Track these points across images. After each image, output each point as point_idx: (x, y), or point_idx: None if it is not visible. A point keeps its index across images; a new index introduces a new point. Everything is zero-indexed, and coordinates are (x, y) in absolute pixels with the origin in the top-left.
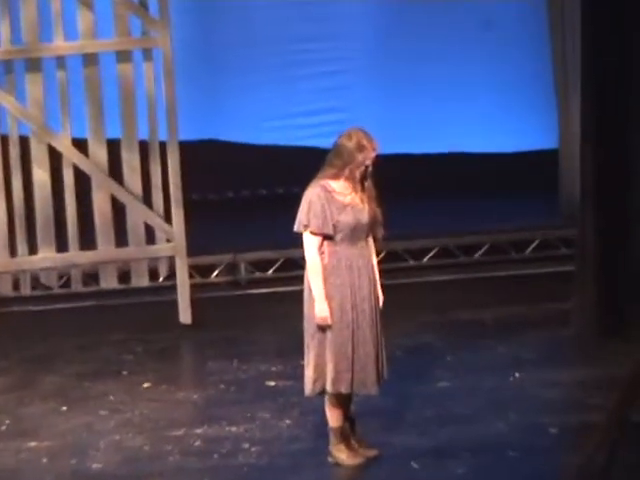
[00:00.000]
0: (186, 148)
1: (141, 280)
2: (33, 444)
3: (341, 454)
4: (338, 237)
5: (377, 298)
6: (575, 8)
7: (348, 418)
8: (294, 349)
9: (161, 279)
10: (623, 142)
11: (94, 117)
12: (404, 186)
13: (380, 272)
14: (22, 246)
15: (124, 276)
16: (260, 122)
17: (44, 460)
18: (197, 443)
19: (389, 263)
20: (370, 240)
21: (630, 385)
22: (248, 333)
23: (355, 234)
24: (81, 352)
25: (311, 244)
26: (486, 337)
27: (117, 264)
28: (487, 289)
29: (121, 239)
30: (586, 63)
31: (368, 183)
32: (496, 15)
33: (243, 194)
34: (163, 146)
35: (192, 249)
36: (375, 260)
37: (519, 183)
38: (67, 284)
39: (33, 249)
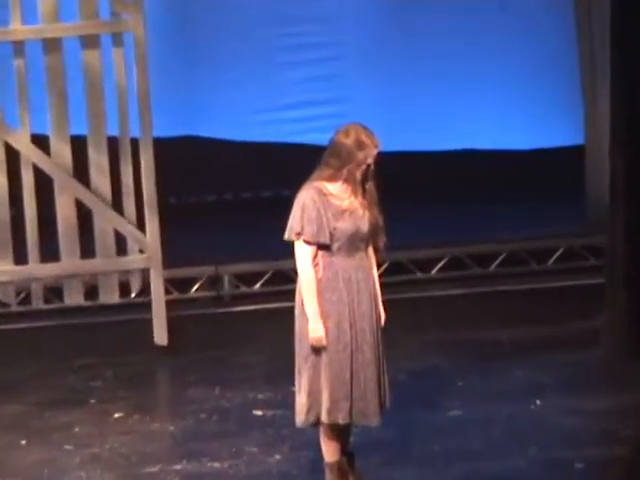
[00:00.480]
0: (161, 146)
1: (110, 296)
2: None
3: None
4: (335, 247)
5: (378, 316)
6: (603, 4)
7: (346, 452)
8: (285, 374)
9: (133, 295)
10: None
11: (56, 111)
12: (408, 188)
13: (382, 286)
14: None
15: (91, 291)
16: (245, 116)
17: None
18: None
19: (392, 275)
20: (370, 250)
21: None
22: (232, 356)
23: (354, 243)
24: (43, 378)
25: (304, 254)
26: (502, 359)
27: (83, 278)
28: (503, 305)
29: (87, 249)
30: (615, 62)
31: (369, 185)
32: (519, 4)
33: (226, 198)
34: (135, 144)
35: (169, 260)
36: (376, 273)
37: (540, 184)
38: (26, 301)
39: None
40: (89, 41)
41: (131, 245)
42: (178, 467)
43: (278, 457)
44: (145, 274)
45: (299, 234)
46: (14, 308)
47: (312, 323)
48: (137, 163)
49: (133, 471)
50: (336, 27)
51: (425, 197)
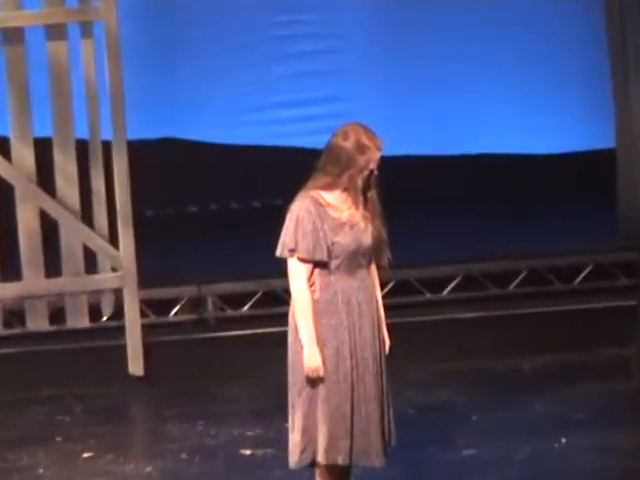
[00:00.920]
0: (137, 150)
1: (79, 320)
2: None
3: None
4: (333, 264)
5: (382, 342)
6: (634, 3)
7: None
8: (276, 408)
9: (105, 318)
10: None
11: (18, 110)
12: (416, 197)
13: (386, 308)
14: None
15: (57, 315)
16: (230, 116)
17: None
18: None
19: (398, 296)
20: (373, 268)
21: None
22: (217, 387)
23: (355, 261)
24: (3, 413)
25: (298, 273)
26: (523, 391)
27: (48, 299)
28: (523, 329)
29: (53, 267)
30: None
31: (371, 194)
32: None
33: (210, 208)
34: (107, 147)
35: (145, 279)
36: (380, 293)
37: (564, 192)
38: None
39: None
40: (55, 31)
41: (102, 262)
42: None
43: None
44: (118, 295)
45: (293, 250)
46: None
47: (307, 350)
48: (109, 169)
49: None
50: (336, 17)
51: (435, 207)
